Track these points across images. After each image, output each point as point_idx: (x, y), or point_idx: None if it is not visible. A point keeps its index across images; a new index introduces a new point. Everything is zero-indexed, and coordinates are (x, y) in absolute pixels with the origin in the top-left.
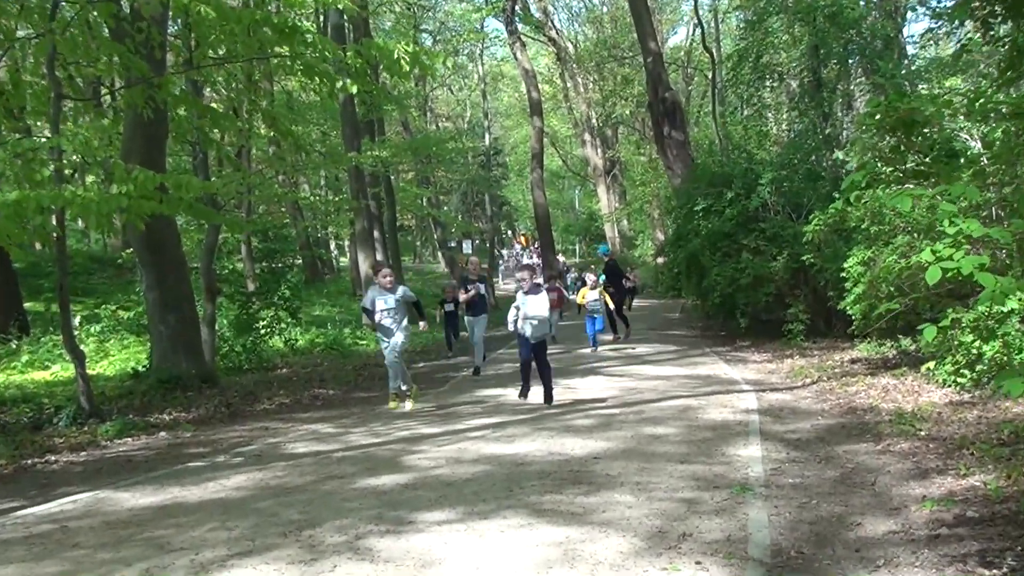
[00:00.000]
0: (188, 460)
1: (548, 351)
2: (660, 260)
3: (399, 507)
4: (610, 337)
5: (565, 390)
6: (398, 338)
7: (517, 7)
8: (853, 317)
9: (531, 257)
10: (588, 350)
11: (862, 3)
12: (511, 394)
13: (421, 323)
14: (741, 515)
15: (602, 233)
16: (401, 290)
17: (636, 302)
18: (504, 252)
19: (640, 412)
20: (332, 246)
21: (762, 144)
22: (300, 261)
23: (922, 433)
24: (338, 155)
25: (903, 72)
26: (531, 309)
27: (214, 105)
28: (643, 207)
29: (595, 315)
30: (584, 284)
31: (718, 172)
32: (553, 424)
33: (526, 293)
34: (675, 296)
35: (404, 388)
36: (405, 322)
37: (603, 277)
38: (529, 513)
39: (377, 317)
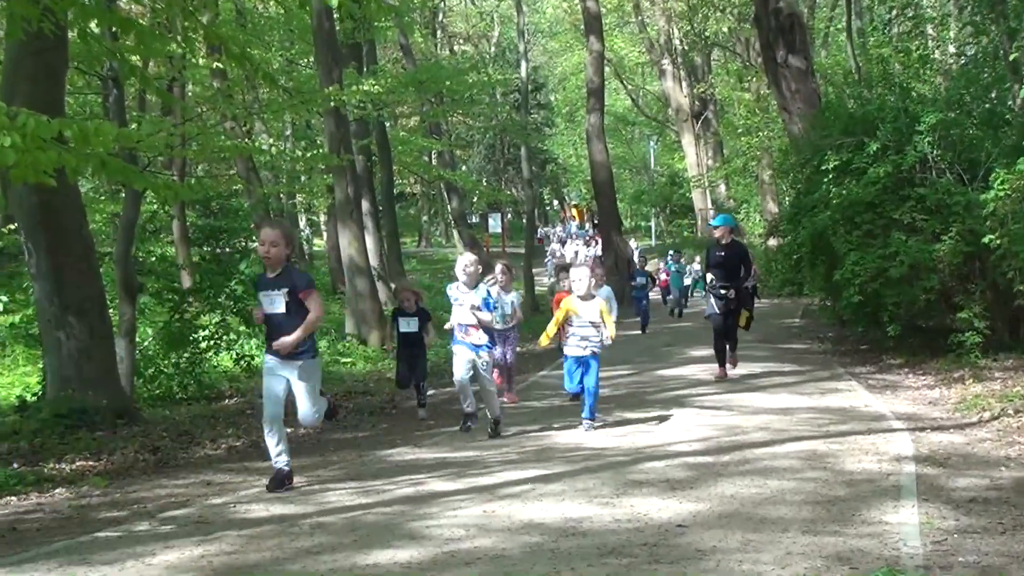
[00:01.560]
0: (98, 528)
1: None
2: (772, 243)
3: None
4: (721, 370)
5: (636, 429)
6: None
7: None
8: None
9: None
10: (669, 371)
11: None
12: (556, 434)
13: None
14: None
15: (688, 203)
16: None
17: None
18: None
19: (745, 460)
20: (303, 222)
21: (920, 74)
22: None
23: None
24: (310, 92)
25: None
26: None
27: (135, 20)
28: (747, 166)
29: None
30: (651, 282)
31: (856, 114)
32: (620, 477)
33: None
34: (794, 294)
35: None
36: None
37: (697, 275)
38: None
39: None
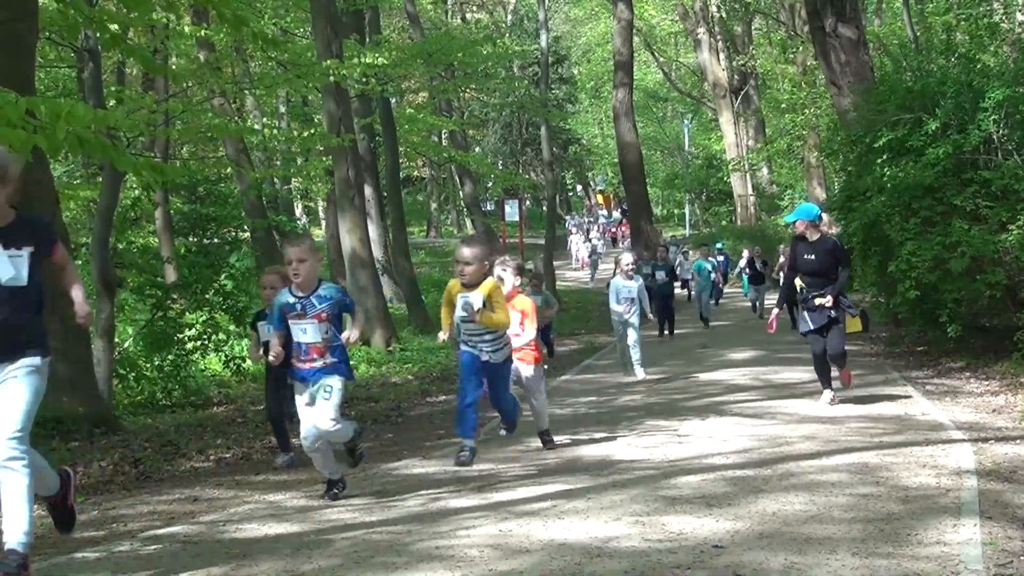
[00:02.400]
0: (73, 549)
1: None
2: None
3: None
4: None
5: (669, 439)
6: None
7: None
8: None
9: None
10: (705, 376)
11: None
12: (580, 445)
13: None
14: None
15: (726, 188)
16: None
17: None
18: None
19: (789, 474)
20: (299, 210)
21: (986, 45)
22: (249, 234)
23: None
24: (307, 65)
25: None
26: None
27: None
28: (792, 146)
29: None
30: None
31: (915, 88)
32: (650, 493)
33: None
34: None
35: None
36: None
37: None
38: None
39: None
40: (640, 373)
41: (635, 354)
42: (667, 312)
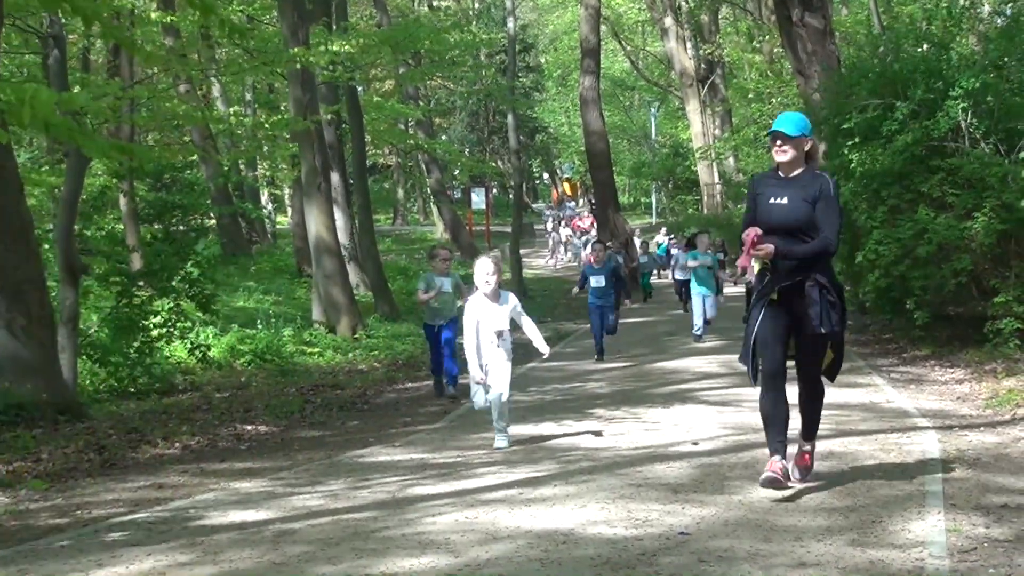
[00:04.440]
0: (37, 536)
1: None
2: None
3: None
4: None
5: (636, 427)
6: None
7: None
8: None
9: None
10: (671, 364)
11: None
12: (547, 433)
13: None
14: None
15: (693, 176)
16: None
17: (729, 290)
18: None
19: (755, 461)
20: (265, 198)
21: (953, 33)
22: (214, 222)
23: None
24: (274, 52)
25: None
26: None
27: None
28: (759, 136)
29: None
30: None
31: (887, 72)
32: (617, 480)
33: None
34: None
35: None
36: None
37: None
38: None
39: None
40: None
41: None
42: (601, 325)
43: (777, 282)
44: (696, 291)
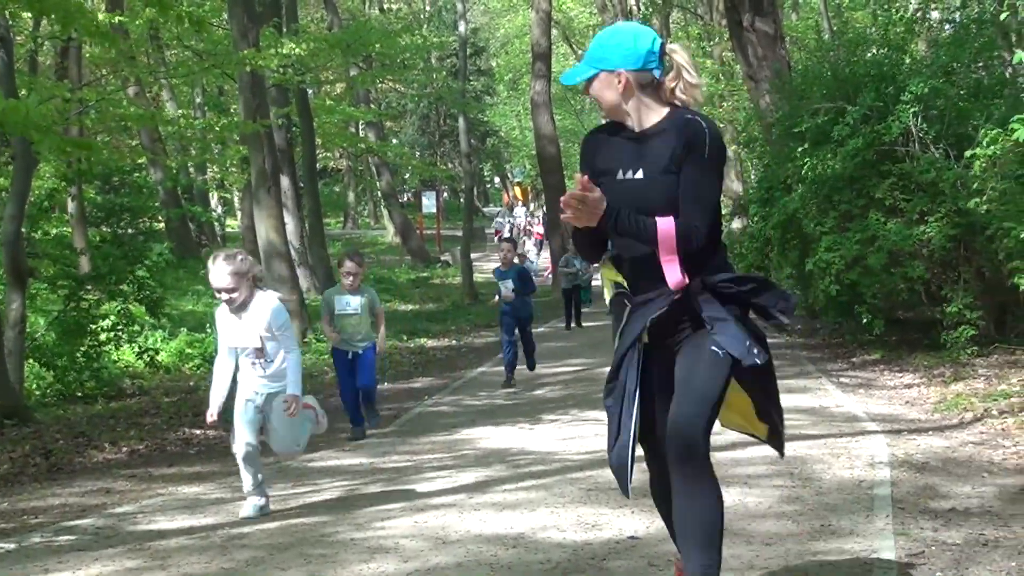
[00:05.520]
0: None
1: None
2: (736, 225)
3: None
4: None
5: (587, 431)
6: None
7: None
8: None
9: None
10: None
11: None
12: (497, 437)
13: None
14: None
15: None
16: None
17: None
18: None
19: None
20: (215, 200)
21: (905, 41)
22: (163, 225)
23: None
24: (223, 54)
25: None
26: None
27: None
28: None
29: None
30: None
31: (841, 75)
32: (567, 484)
33: None
34: None
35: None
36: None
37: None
38: None
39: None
40: None
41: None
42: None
43: (642, 310)
44: None
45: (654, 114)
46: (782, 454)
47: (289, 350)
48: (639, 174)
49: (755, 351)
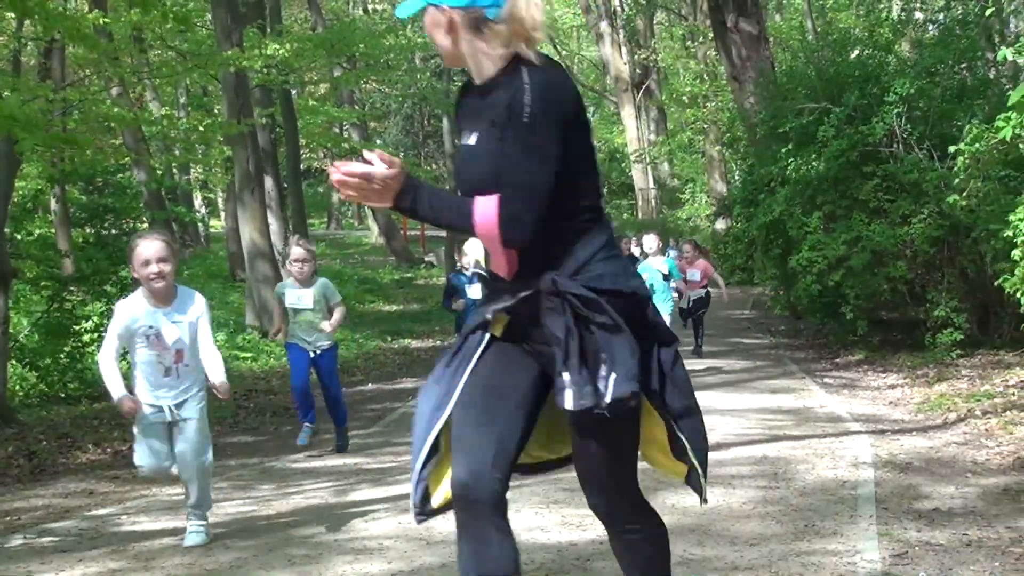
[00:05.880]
0: None
1: None
2: (720, 226)
3: None
4: None
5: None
6: None
7: None
8: None
9: None
10: None
11: None
12: None
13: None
14: None
15: (628, 181)
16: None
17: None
18: None
19: None
20: (198, 201)
21: (890, 41)
22: (147, 226)
23: None
24: (207, 54)
25: None
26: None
27: None
28: (693, 141)
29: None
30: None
31: (826, 75)
32: (550, 485)
33: None
34: (743, 282)
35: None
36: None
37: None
38: None
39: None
40: None
41: None
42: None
43: (496, 299)
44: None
45: (491, 63)
46: (703, 499)
47: None
48: (472, 139)
49: (601, 388)
